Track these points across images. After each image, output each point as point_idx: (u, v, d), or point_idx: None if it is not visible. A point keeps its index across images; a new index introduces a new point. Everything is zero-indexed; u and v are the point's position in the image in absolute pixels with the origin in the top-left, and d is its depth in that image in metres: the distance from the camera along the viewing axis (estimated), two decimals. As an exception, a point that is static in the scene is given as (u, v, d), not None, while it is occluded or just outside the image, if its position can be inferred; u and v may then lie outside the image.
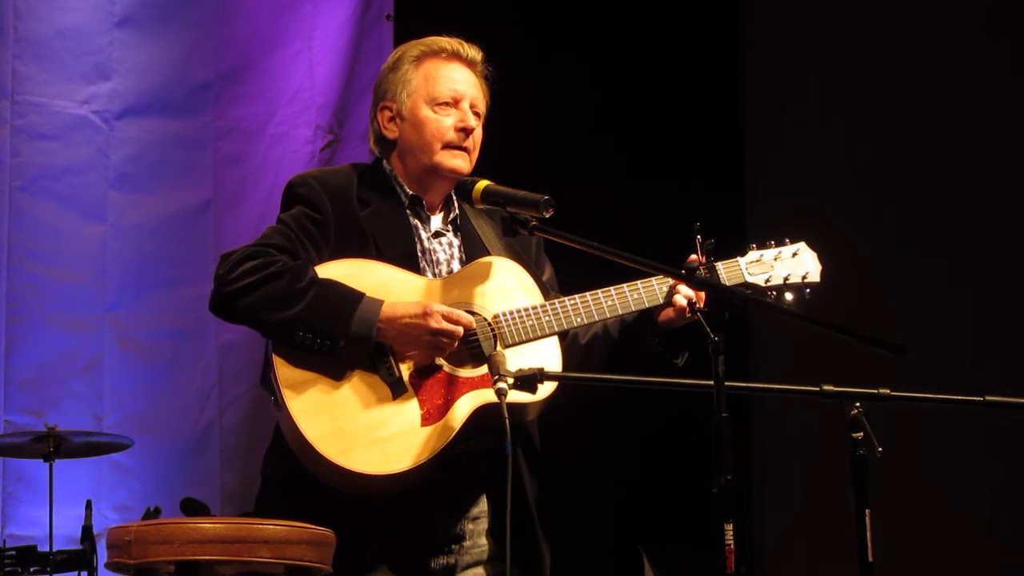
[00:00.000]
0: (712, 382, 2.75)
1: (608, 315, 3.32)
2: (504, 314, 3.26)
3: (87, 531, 5.12)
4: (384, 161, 3.44)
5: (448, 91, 3.38)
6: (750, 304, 3.10)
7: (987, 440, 5.77)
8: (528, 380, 3.03)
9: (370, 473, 3.09)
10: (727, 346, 2.78)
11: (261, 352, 3.26)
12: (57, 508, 5.14)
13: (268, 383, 3.19)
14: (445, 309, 3.17)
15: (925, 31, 6.28)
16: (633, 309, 3.32)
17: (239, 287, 3.16)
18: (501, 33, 6.16)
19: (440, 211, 3.44)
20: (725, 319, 2.99)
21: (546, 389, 3.15)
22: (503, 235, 3.30)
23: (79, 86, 5.84)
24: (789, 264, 3.44)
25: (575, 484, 5.84)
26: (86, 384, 5.74)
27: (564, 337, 3.35)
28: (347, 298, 3.16)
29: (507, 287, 3.31)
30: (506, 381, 3.01)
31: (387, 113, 3.41)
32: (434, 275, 3.33)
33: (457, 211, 3.44)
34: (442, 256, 3.38)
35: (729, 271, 3.39)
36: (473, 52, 3.44)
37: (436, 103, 3.37)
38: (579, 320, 3.30)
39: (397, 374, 3.17)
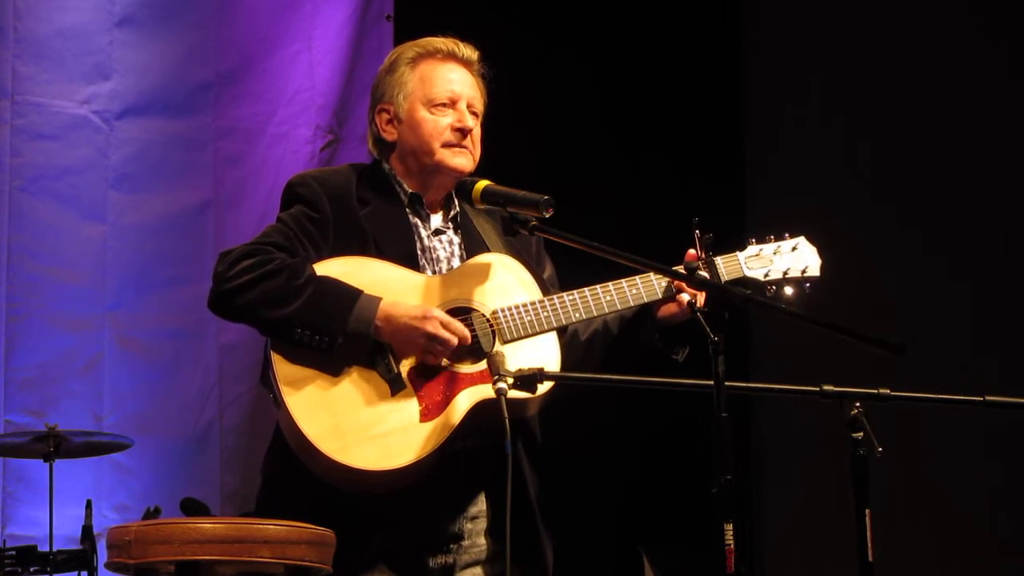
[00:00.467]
0: (712, 382, 2.75)
1: (607, 310, 3.32)
2: (503, 310, 3.26)
3: (87, 531, 5.11)
4: (383, 162, 3.45)
5: (445, 92, 3.38)
6: (750, 304, 3.09)
7: (987, 440, 5.77)
8: (528, 380, 3.04)
9: (369, 469, 3.10)
10: (727, 346, 2.77)
11: (261, 352, 3.26)
12: (57, 508, 5.14)
13: (267, 381, 3.20)
14: (444, 317, 3.18)
15: (925, 31, 6.28)
16: (632, 304, 3.32)
17: (237, 284, 3.17)
18: (501, 33, 6.17)
19: (440, 209, 3.44)
20: (725, 319, 2.99)
21: (544, 385, 3.15)
22: (504, 234, 3.30)
23: (79, 86, 5.84)
24: (788, 258, 3.43)
25: (575, 484, 5.84)
26: (86, 384, 5.74)
27: (563, 333, 3.36)
28: (345, 295, 3.17)
29: (506, 283, 3.32)
30: (506, 381, 3.01)
31: (385, 115, 3.42)
32: (434, 273, 3.34)
33: (457, 209, 3.44)
34: (442, 254, 3.39)
35: (728, 265, 3.39)
36: (469, 52, 3.44)
37: (433, 104, 3.38)
38: (577, 315, 3.30)
39: (395, 370, 3.17)
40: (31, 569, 4.95)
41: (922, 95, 6.24)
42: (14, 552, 4.96)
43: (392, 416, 3.14)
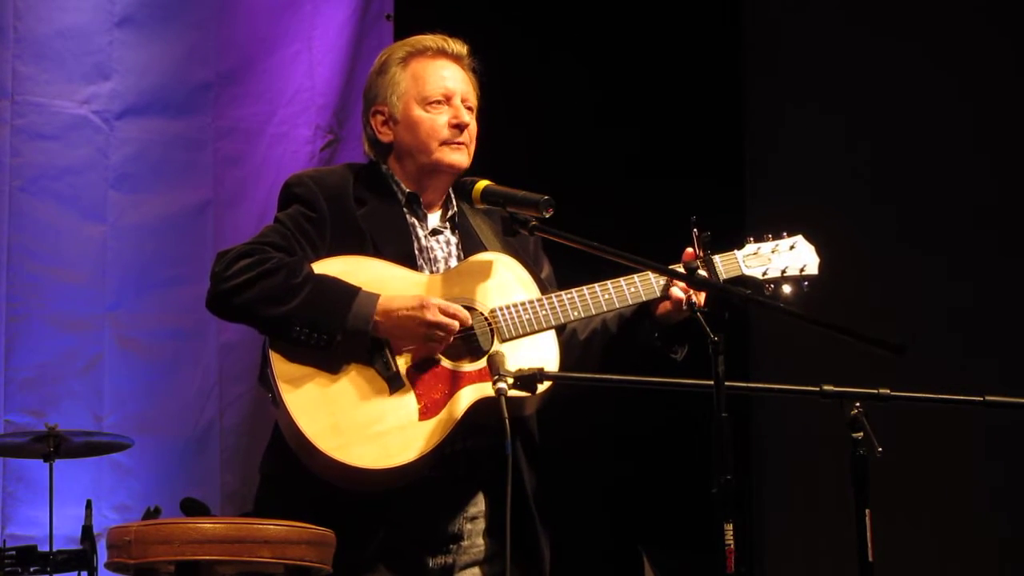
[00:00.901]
0: (712, 382, 2.75)
1: (605, 308, 3.32)
2: (501, 308, 3.26)
3: (87, 531, 5.11)
4: (381, 163, 3.44)
5: (438, 89, 3.38)
6: (750, 304, 3.09)
7: (987, 440, 5.77)
8: (527, 380, 3.04)
9: (368, 467, 3.09)
10: (727, 346, 2.77)
11: (261, 352, 3.26)
12: (57, 508, 5.14)
13: (266, 380, 3.19)
14: (442, 303, 3.18)
15: (925, 31, 6.28)
16: (631, 302, 3.32)
17: (235, 284, 3.17)
18: (501, 32, 6.18)
19: (438, 209, 3.44)
20: (725, 319, 2.99)
21: (544, 385, 3.14)
22: (503, 234, 3.30)
23: (79, 86, 5.84)
24: (787, 257, 3.43)
25: (575, 484, 5.84)
26: (86, 384, 5.74)
27: (561, 332, 3.36)
28: (343, 293, 3.17)
29: (504, 282, 3.32)
30: (506, 381, 3.02)
31: (380, 117, 3.41)
32: (432, 273, 3.33)
33: (455, 209, 3.44)
34: (440, 254, 3.39)
35: (726, 264, 3.39)
36: (458, 47, 3.44)
37: (427, 102, 3.37)
38: (576, 313, 3.30)
39: (394, 368, 3.17)
40: (31, 569, 4.95)
41: (922, 95, 6.24)
42: (14, 552, 4.96)
43: (391, 414, 3.14)
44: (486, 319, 3.25)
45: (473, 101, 3.43)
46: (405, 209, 3.39)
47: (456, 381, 3.19)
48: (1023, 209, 5.91)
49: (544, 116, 6.35)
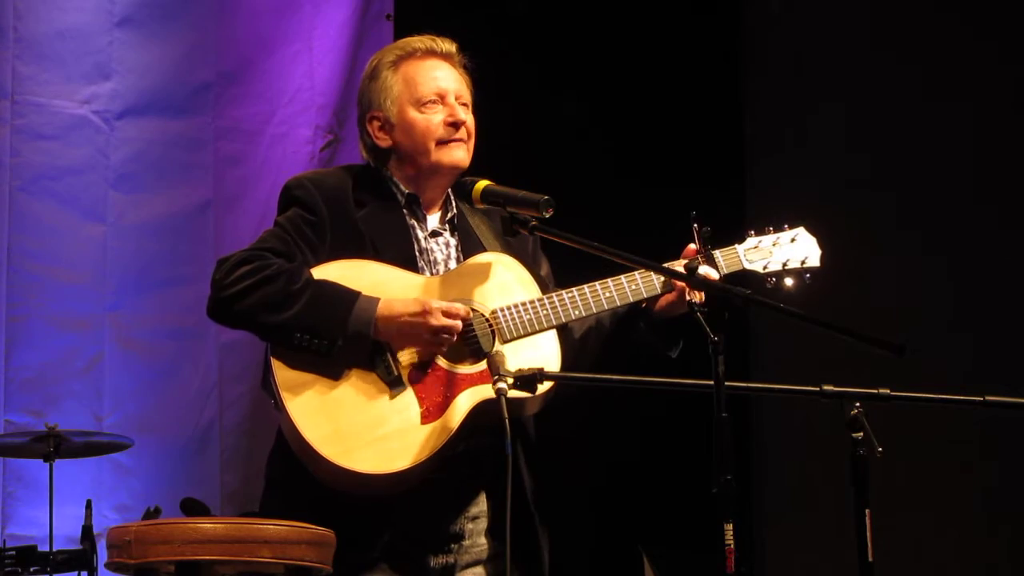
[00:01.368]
0: (712, 382, 2.75)
1: (606, 307, 3.31)
2: (502, 309, 3.26)
3: (87, 531, 5.11)
4: (380, 167, 3.44)
5: (431, 89, 3.38)
6: (750, 304, 3.08)
7: (986, 440, 5.77)
8: (528, 380, 3.04)
9: (371, 472, 3.09)
10: (727, 346, 2.77)
11: (261, 352, 3.26)
12: (57, 508, 5.14)
13: (268, 386, 3.19)
14: (443, 305, 3.18)
15: (925, 31, 6.27)
16: (632, 300, 3.32)
17: (235, 291, 3.16)
18: (501, 33, 6.18)
19: (437, 210, 3.44)
20: (725, 319, 2.98)
21: (544, 385, 3.14)
22: (503, 234, 3.30)
23: (79, 86, 5.84)
24: (788, 249, 3.42)
25: (575, 484, 5.84)
26: (86, 384, 5.74)
27: (562, 331, 3.35)
28: (343, 297, 3.17)
29: (504, 282, 3.31)
30: (506, 381, 3.01)
31: (376, 123, 3.41)
32: (432, 275, 3.33)
33: (455, 210, 3.44)
34: (439, 256, 3.38)
35: (727, 258, 3.39)
36: (447, 45, 3.44)
37: (421, 104, 3.37)
38: (577, 313, 3.29)
39: (395, 372, 3.17)
40: (31, 569, 4.95)
41: (922, 95, 6.24)
42: (14, 552, 4.96)
43: (393, 418, 3.14)
44: (487, 320, 3.25)
45: (467, 97, 3.42)
46: (405, 211, 3.39)
47: (457, 384, 3.19)
48: (1023, 210, 5.90)
49: (543, 116, 6.35)
